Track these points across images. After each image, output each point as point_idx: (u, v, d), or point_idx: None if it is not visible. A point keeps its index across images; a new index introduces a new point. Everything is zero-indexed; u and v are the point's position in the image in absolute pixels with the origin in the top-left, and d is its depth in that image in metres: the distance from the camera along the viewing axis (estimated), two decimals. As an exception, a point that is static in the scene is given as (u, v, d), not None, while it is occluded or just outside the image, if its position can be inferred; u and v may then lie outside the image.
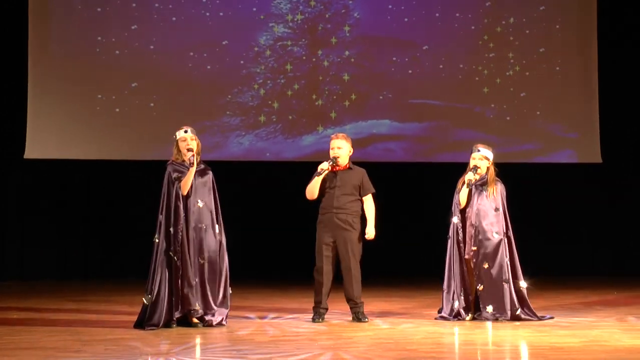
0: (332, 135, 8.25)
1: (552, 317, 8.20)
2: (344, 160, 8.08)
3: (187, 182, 7.59)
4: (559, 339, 7.07)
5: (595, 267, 12.81)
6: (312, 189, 8.03)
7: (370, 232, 8.11)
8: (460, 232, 8.10)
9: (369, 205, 8.16)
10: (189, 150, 7.64)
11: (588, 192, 12.97)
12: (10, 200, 12.04)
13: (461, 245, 8.09)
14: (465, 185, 8.10)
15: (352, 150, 8.15)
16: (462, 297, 8.04)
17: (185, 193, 7.60)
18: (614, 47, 12.78)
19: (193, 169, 7.59)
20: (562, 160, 12.59)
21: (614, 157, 12.74)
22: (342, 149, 8.06)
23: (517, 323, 7.89)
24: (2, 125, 11.91)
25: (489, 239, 8.06)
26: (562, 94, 12.57)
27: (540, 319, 8.07)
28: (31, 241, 12.00)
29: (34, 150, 11.70)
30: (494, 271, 8.03)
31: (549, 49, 12.56)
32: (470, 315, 8.05)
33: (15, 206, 12.03)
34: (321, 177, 7.99)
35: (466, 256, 8.10)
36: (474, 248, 8.07)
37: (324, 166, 7.98)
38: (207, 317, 7.61)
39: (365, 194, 8.14)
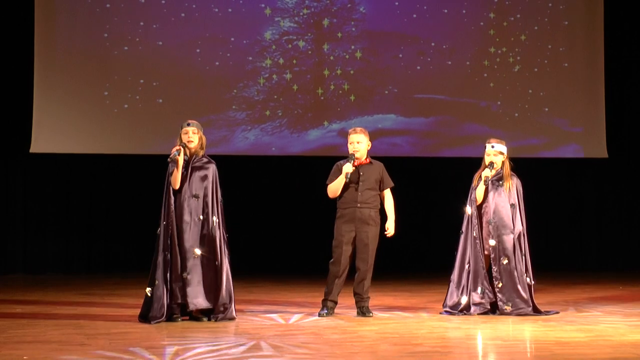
0: (351, 130, 8.14)
1: (557, 312, 8.18)
2: (363, 155, 8.04)
3: (175, 176, 7.60)
4: (565, 333, 7.05)
5: (601, 262, 12.79)
6: (336, 189, 7.96)
7: (392, 228, 8.07)
8: (476, 227, 8.05)
9: (389, 200, 8.13)
10: (188, 142, 7.65)
11: (594, 187, 12.94)
12: (16, 194, 12.04)
13: (477, 240, 8.04)
14: (482, 182, 8.06)
15: (370, 144, 8.12)
16: (475, 293, 8.00)
17: (176, 187, 7.60)
18: (620, 42, 12.75)
19: (179, 164, 7.58)
20: (568, 155, 12.56)
21: (620, 152, 12.71)
22: (361, 144, 8.02)
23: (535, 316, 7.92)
24: (8, 119, 11.92)
25: (507, 235, 8.05)
26: (567, 88, 12.54)
27: (545, 314, 8.05)
28: (36, 234, 12.01)
29: (39, 144, 11.70)
30: (513, 267, 8.02)
31: (555, 44, 12.53)
32: (480, 311, 8.02)
33: (20, 200, 12.04)
34: (344, 180, 7.93)
35: (485, 252, 8.07)
36: (493, 244, 8.05)
37: (349, 169, 7.91)
38: (211, 311, 7.61)
39: (385, 188, 8.12)
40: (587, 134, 12.60)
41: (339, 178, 7.96)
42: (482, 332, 7.20)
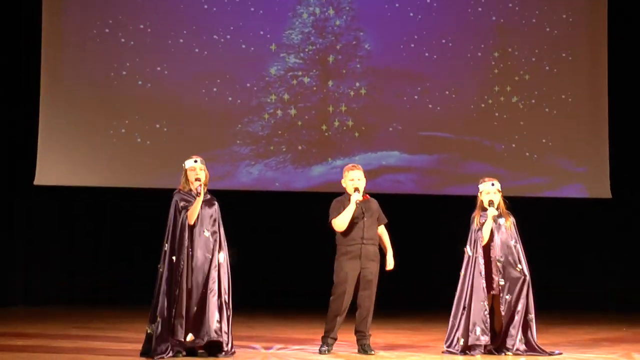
0: (350, 166, 8.17)
1: (560, 353, 8.15)
2: (362, 191, 8.07)
3: (194, 211, 7.57)
4: (567, 374, 7.01)
5: (604, 302, 12.73)
6: (346, 220, 7.94)
7: (391, 263, 8.11)
8: (478, 266, 8.01)
9: (386, 234, 8.16)
10: (197, 179, 7.63)
11: (597, 227, 12.91)
12: (19, 226, 12.03)
13: (482, 280, 7.98)
14: (490, 220, 8.03)
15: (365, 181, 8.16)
16: (472, 334, 7.95)
17: (192, 222, 7.57)
18: (625, 81, 12.76)
19: (200, 199, 7.58)
20: (572, 194, 12.54)
21: (624, 192, 12.68)
22: (361, 180, 8.06)
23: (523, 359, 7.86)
24: (13, 151, 11.94)
25: (514, 272, 8.04)
26: (571, 127, 12.55)
27: (549, 354, 8.02)
28: (38, 267, 11.99)
29: (43, 177, 11.71)
30: (516, 304, 8.00)
31: (559, 83, 12.55)
32: (484, 351, 7.98)
33: (23, 232, 12.03)
34: (354, 208, 7.94)
35: (494, 292, 8.04)
36: (502, 283, 8.02)
37: (359, 197, 7.94)
38: (217, 347, 7.57)
39: (381, 224, 8.13)
40: (591, 174, 12.58)
41: (348, 208, 7.93)
42: (484, 371, 7.16)
